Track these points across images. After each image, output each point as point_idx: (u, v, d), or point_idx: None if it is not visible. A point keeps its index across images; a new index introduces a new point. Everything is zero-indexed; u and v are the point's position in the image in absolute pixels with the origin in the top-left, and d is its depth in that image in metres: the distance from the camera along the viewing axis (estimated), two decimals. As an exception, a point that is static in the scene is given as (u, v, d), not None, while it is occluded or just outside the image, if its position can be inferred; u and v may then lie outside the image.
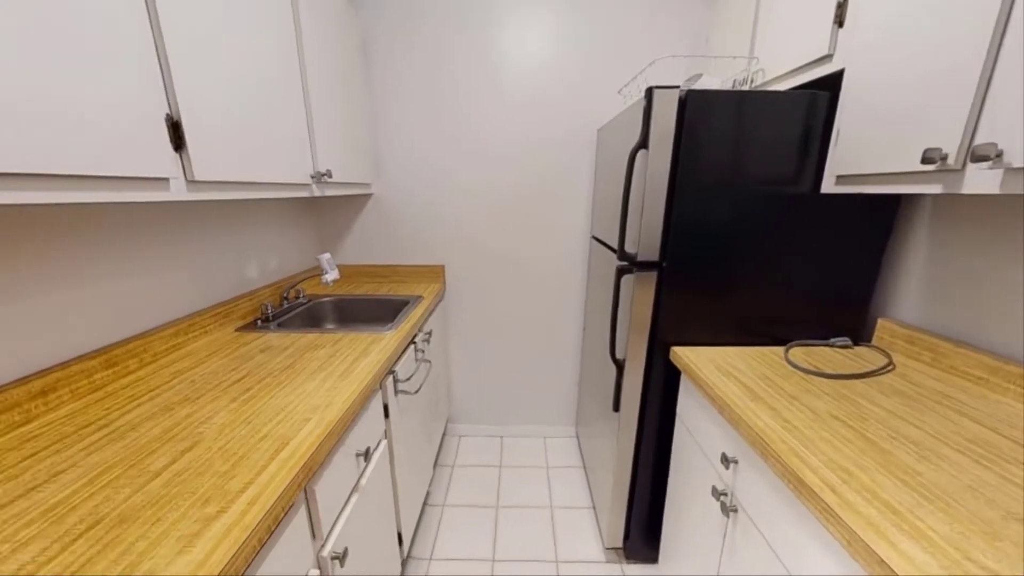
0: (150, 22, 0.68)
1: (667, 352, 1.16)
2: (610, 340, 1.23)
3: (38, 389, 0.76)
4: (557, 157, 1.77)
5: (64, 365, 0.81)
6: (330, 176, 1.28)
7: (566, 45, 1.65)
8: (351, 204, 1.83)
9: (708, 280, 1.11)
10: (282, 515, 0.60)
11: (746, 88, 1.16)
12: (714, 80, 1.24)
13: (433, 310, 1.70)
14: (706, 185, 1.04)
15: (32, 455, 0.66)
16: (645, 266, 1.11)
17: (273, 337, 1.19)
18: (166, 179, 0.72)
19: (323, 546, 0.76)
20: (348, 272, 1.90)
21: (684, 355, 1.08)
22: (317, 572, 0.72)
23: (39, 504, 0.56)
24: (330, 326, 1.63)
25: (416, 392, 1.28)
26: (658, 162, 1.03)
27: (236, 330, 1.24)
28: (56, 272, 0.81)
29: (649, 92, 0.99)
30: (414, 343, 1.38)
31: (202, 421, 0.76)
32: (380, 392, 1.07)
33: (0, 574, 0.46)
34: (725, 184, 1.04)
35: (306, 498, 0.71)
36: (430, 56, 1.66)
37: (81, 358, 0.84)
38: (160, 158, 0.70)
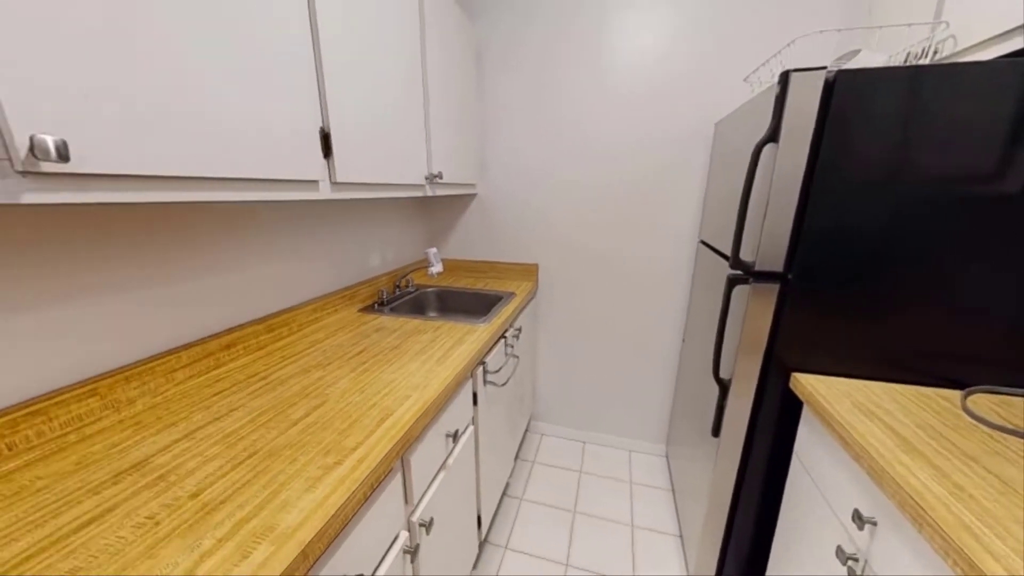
0: (314, 56, 0.82)
1: (785, 378, 1.00)
2: (714, 357, 1.10)
3: (225, 344, 0.99)
4: (665, 154, 1.65)
5: (241, 327, 1.04)
6: (441, 177, 1.39)
7: (684, 34, 1.52)
8: (457, 203, 1.97)
9: (849, 298, 0.92)
10: (383, 476, 0.68)
11: (925, 62, 0.92)
12: (877, 56, 1.02)
13: (524, 307, 1.74)
14: (854, 185, 0.86)
15: (218, 393, 0.86)
16: (764, 277, 0.97)
17: (386, 320, 1.35)
18: (316, 181, 0.87)
19: (413, 512, 0.84)
20: (450, 266, 2.05)
21: (809, 384, 0.91)
22: (407, 534, 0.80)
23: (221, 431, 0.73)
24: (432, 314, 1.79)
25: (503, 385, 1.33)
26: (790, 158, 0.89)
27: (358, 311, 1.44)
28: (234, 256, 1.04)
29: (784, 77, 0.86)
30: (505, 337, 1.43)
31: (329, 384, 0.90)
32: (471, 380, 1.14)
33: (195, 479, 0.61)
34: (885, 183, 0.84)
35: (402, 466, 0.79)
36: (536, 60, 1.69)
37: (251, 323, 1.07)
38: (313, 164, 0.85)
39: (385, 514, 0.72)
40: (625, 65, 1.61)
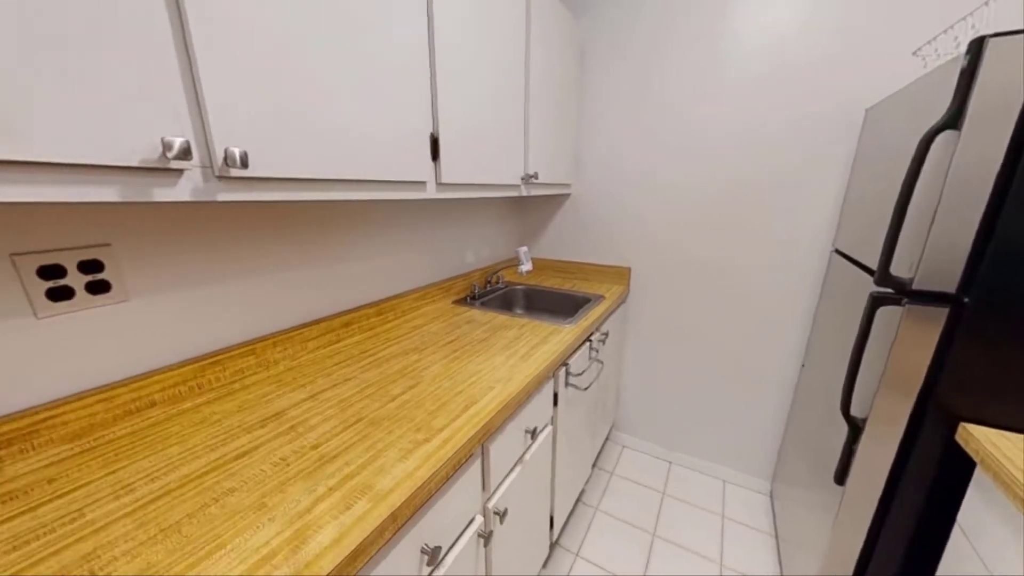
0: (430, 72, 0.90)
1: (949, 427, 0.79)
2: (845, 389, 0.92)
3: (344, 322, 1.15)
4: (791, 148, 1.43)
5: (357, 309, 1.20)
6: (536, 178, 1.42)
7: (826, 4, 1.29)
8: (550, 203, 1.98)
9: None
10: (464, 460, 0.72)
11: None
12: None
13: (613, 311, 1.67)
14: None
15: (337, 364, 1.00)
16: (926, 298, 0.78)
17: (476, 313, 1.43)
18: (424, 182, 0.96)
19: (489, 499, 0.88)
20: (540, 265, 2.07)
21: (988, 441, 0.71)
22: (482, 519, 0.84)
23: (337, 396, 0.85)
24: (519, 311, 1.83)
25: (585, 389, 1.30)
26: (976, 148, 0.69)
27: (452, 303, 1.55)
28: (355, 248, 1.20)
29: (977, 44, 0.67)
30: (590, 341, 1.39)
31: (423, 368, 0.99)
32: (552, 380, 1.14)
33: (316, 433, 0.72)
34: None
35: (482, 453, 0.83)
36: (642, 53, 1.60)
37: (365, 306, 1.23)
38: (423, 166, 0.94)
39: (464, 496, 0.77)
40: (746, 49, 1.43)
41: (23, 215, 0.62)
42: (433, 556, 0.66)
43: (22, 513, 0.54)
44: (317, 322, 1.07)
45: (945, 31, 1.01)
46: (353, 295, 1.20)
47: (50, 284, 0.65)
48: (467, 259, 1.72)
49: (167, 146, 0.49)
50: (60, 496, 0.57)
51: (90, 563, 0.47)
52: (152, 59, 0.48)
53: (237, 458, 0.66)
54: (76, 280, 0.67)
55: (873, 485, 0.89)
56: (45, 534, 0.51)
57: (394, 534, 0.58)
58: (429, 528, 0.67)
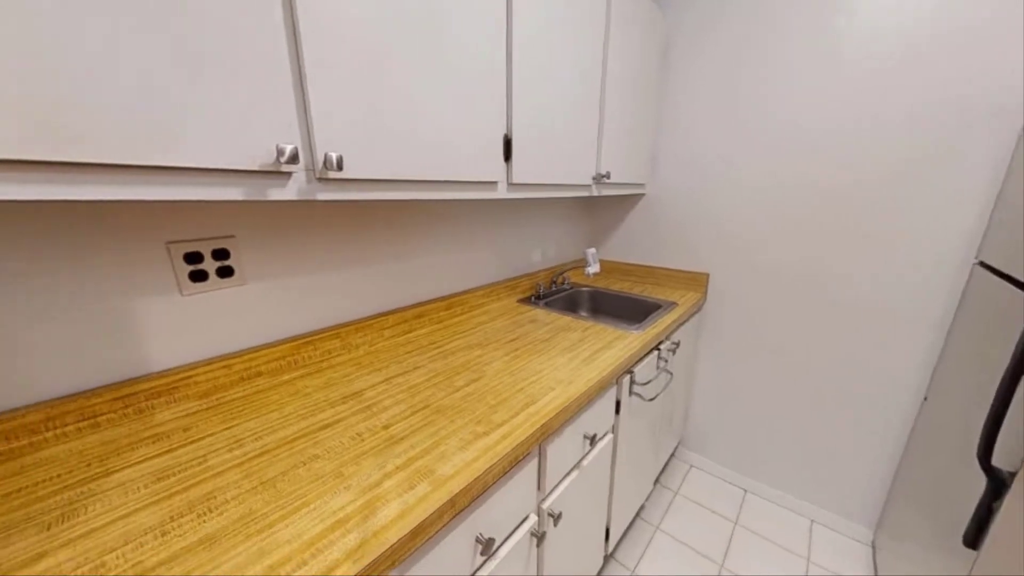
0: (507, 74, 0.92)
1: None
2: (986, 433, 0.75)
3: (416, 314, 1.23)
4: (915, 141, 1.20)
5: (428, 302, 1.27)
6: (608, 177, 1.37)
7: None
8: (621, 203, 1.91)
9: None
10: (521, 457, 0.73)
11: None
12: None
13: (686, 320, 1.56)
14: None
15: (408, 352, 1.07)
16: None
17: (540, 313, 1.43)
18: (495, 182, 0.99)
19: (544, 499, 0.87)
20: (607, 267, 2.01)
21: None
22: (536, 518, 0.84)
23: (407, 382, 0.91)
24: (583, 314, 1.80)
25: (651, 400, 1.23)
26: None
27: (516, 301, 1.57)
28: (427, 244, 1.27)
29: None
30: (658, 350, 1.32)
31: (486, 363, 1.01)
32: (615, 387, 1.10)
33: (387, 415, 0.78)
34: None
35: (539, 453, 0.83)
36: (733, 42, 1.45)
37: (435, 300, 1.30)
38: (496, 167, 0.96)
39: (519, 493, 0.77)
40: (868, 28, 1.23)
41: (174, 210, 0.76)
42: (487, 546, 0.67)
43: (166, 452, 0.66)
44: (393, 312, 1.16)
45: None
46: (425, 289, 1.27)
47: (192, 268, 0.79)
48: (533, 258, 1.73)
49: (280, 152, 0.57)
50: (191, 443, 0.69)
51: (209, 501, 0.57)
52: (273, 79, 0.56)
53: (322, 428, 0.74)
54: (210, 265, 0.81)
55: (1017, 555, 0.72)
56: (180, 471, 0.62)
57: (451, 519, 0.61)
58: (484, 519, 0.69)
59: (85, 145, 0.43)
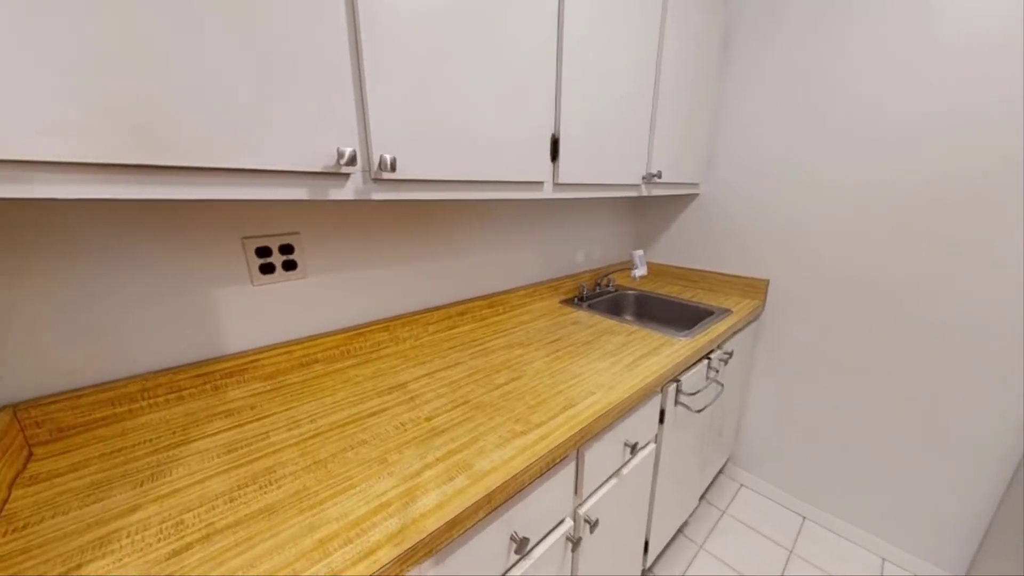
0: (556, 73, 0.92)
1: None
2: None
3: (459, 311, 1.26)
4: (1043, 132, 1.03)
5: (471, 300, 1.30)
6: (659, 177, 1.32)
7: None
8: (672, 203, 1.82)
9: None
10: (558, 460, 0.72)
11: None
12: None
13: (741, 329, 1.46)
14: None
15: (451, 348, 1.10)
16: None
17: (582, 315, 1.41)
18: (541, 182, 0.98)
19: (581, 504, 0.86)
20: (655, 270, 1.93)
21: None
22: (571, 523, 0.83)
23: (449, 377, 0.94)
24: (628, 317, 1.74)
25: (699, 411, 1.17)
26: None
27: (559, 302, 1.56)
28: (473, 243, 1.29)
29: None
30: (709, 359, 1.25)
31: (526, 363, 1.02)
32: (660, 396, 1.05)
33: (429, 407, 0.81)
34: None
35: (577, 457, 0.81)
36: (804, 24, 1.33)
37: (478, 298, 1.32)
38: (542, 167, 0.96)
39: (555, 495, 0.77)
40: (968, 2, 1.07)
41: (249, 208, 0.84)
42: (521, 545, 0.68)
43: (235, 426, 0.74)
44: (437, 308, 1.20)
45: None
46: (469, 287, 1.30)
47: (262, 261, 0.86)
48: (577, 259, 1.70)
49: (340, 155, 0.60)
50: (256, 420, 0.76)
51: (269, 475, 0.62)
52: (337, 86, 0.60)
53: (369, 416, 0.78)
54: (277, 259, 0.88)
55: None
56: (245, 445, 0.69)
57: (487, 514, 0.62)
58: (519, 518, 0.69)
59: (178, 151, 0.49)
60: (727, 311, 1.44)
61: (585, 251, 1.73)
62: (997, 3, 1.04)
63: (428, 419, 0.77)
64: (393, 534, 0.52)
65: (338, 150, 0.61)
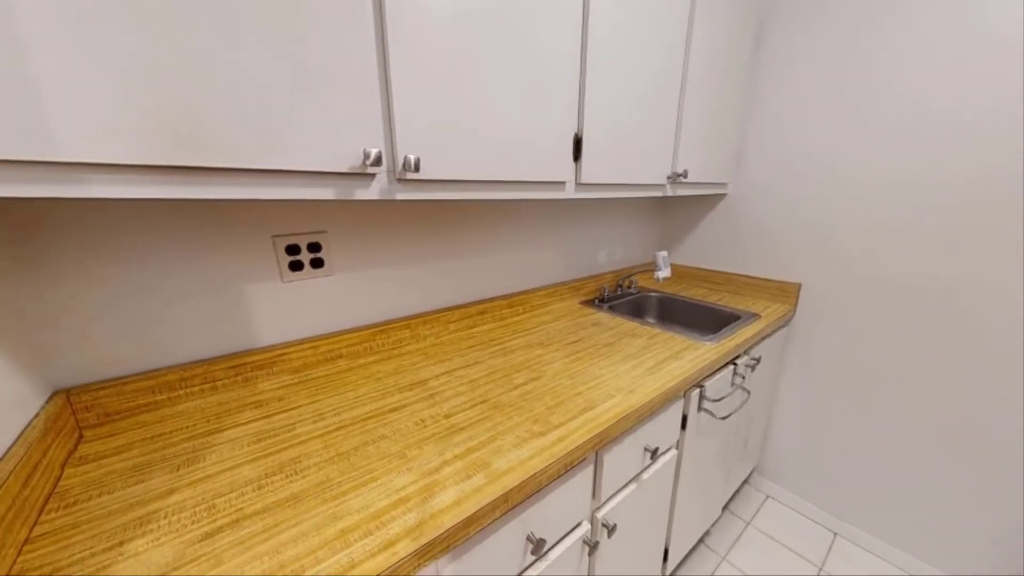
0: (580, 73, 0.91)
1: None
2: None
3: (479, 310, 1.26)
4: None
5: (491, 300, 1.30)
6: (685, 176, 1.29)
7: None
8: (698, 204, 1.77)
9: None
10: (576, 462, 0.72)
11: None
12: None
13: (770, 335, 1.41)
14: None
15: (470, 347, 1.11)
16: None
17: (603, 316, 1.39)
18: (564, 182, 0.98)
19: (599, 508, 0.85)
20: (679, 272, 1.89)
21: None
22: (589, 527, 0.82)
23: (468, 376, 0.94)
24: (650, 320, 1.71)
25: (723, 418, 1.13)
26: None
27: (580, 303, 1.54)
28: (493, 243, 1.30)
29: None
30: (734, 364, 1.21)
31: (546, 363, 1.01)
32: (682, 401, 1.03)
33: (449, 405, 0.82)
34: None
35: (595, 460, 0.80)
36: (848, 14, 1.27)
37: (498, 298, 1.32)
38: (565, 166, 0.95)
39: (572, 497, 0.76)
40: (1038, -12, 0.99)
41: (279, 208, 0.87)
42: (538, 547, 0.67)
43: (264, 417, 0.77)
44: (458, 307, 1.21)
45: None
46: (489, 286, 1.31)
47: (291, 258, 0.90)
48: (599, 260, 1.68)
49: (366, 156, 0.62)
50: (284, 411, 0.79)
51: (295, 464, 0.64)
52: (364, 89, 0.62)
53: (390, 411, 0.79)
54: (305, 256, 0.91)
55: None
56: (274, 435, 0.71)
57: (504, 513, 0.62)
58: (536, 519, 0.69)
59: (215, 153, 0.52)
60: (755, 315, 1.39)
61: (607, 252, 1.71)
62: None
63: (447, 416, 0.78)
64: (411, 528, 0.53)
65: (364, 151, 0.62)
